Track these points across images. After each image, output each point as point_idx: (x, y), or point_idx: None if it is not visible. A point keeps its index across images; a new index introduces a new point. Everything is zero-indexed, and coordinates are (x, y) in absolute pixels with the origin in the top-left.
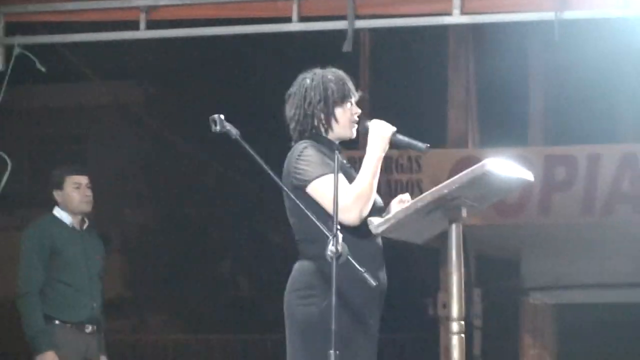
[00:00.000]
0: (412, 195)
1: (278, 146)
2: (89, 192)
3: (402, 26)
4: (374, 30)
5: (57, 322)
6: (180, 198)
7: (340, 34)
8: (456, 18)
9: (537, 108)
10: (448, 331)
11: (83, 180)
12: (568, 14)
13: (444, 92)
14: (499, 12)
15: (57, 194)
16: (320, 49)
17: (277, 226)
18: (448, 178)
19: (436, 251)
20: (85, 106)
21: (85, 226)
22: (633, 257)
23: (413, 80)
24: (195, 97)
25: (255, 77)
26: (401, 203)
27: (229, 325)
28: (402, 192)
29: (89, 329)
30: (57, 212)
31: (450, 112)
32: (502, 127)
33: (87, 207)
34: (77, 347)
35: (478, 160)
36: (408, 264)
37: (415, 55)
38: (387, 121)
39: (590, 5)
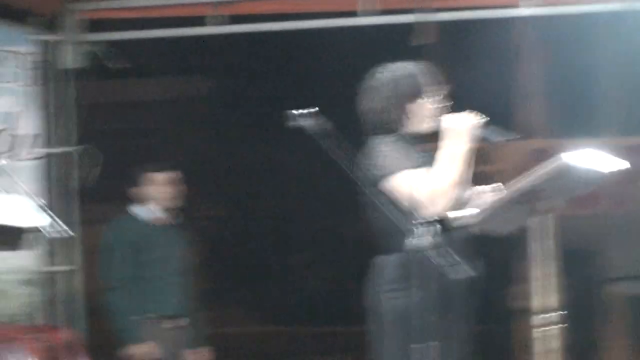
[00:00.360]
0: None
1: (349, 140)
2: (171, 189)
3: (466, 19)
4: (441, 23)
5: (142, 316)
6: (254, 191)
7: (407, 27)
8: (525, 10)
9: (610, 98)
10: (531, 324)
11: (165, 177)
12: None
13: (514, 83)
14: (568, 4)
15: (140, 191)
16: (388, 43)
17: (351, 218)
18: (521, 169)
19: (512, 242)
20: (155, 101)
21: (169, 221)
22: None
23: (483, 72)
24: (265, 91)
25: (322, 71)
26: (485, 194)
27: (308, 318)
28: (476, 183)
29: (174, 323)
30: (140, 208)
31: (522, 103)
32: (575, 117)
33: (170, 204)
34: (163, 342)
35: (551, 151)
36: (483, 256)
37: (485, 46)
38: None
39: None
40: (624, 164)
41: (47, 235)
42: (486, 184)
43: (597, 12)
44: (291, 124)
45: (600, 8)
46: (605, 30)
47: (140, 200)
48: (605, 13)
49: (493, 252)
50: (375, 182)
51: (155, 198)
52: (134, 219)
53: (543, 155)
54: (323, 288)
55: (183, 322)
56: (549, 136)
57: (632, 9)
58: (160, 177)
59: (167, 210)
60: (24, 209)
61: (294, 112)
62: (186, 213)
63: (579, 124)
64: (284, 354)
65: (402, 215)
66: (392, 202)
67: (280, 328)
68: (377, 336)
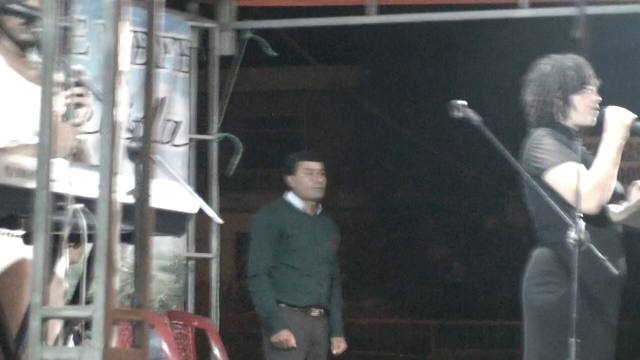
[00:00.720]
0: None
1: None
2: (321, 179)
3: (627, 13)
4: (594, 16)
5: (283, 305)
6: (394, 182)
7: (557, 20)
8: None
9: None
10: None
11: (315, 166)
12: None
13: None
14: None
15: (289, 179)
16: (539, 36)
17: (492, 211)
18: None
19: None
20: (301, 89)
21: (317, 212)
22: None
23: (631, 66)
24: (411, 80)
25: (470, 61)
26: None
27: (443, 311)
28: (625, 180)
29: (315, 312)
30: (290, 196)
31: None
32: None
33: (317, 194)
34: (303, 330)
35: None
36: (629, 252)
37: (633, 39)
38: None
39: None
40: None
41: (213, 219)
42: (636, 179)
43: None
44: (455, 114)
45: None
46: None
47: (291, 188)
48: None
49: (636, 249)
50: (537, 174)
51: (307, 187)
52: (285, 207)
53: None
54: (461, 281)
55: (324, 311)
56: None
57: None
58: (314, 165)
59: (315, 199)
60: (178, 195)
61: (459, 102)
62: (326, 202)
63: None
64: (419, 346)
65: (562, 208)
66: (552, 195)
67: (416, 320)
68: (531, 329)
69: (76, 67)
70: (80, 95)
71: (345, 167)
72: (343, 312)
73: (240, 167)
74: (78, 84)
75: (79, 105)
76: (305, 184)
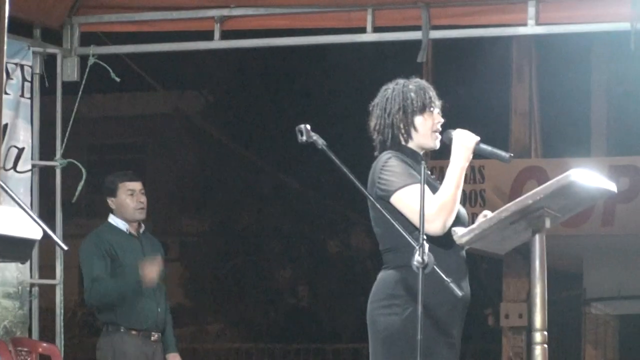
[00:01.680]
0: (475, 206)
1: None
2: (142, 199)
3: (470, 37)
4: (438, 41)
5: (122, 329)
6: (238, 206)
7: (402, 44)
8: (531, 29)
9: (600, 118)
10: (511, 341)
11: (136, 186)
12: None
13: (507, 103)
14: (573, 23)
15: (111, 202)
16: (385, 60)
17: (336, 235)
18: (511, 188)
19: (497, 262)
20: (146, 115)
21: (141, 231)
22: None
23: (476, 91)
24: (256, 105)
25: (314, 86)
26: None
27: (288, 334)
28: (467, 203)
29: (154, 336)
30: (113, 219)
31: (513, 123)
32: (565, 137)
33: (141, 214)
34: (144, 355)
35: (541, 170)
36: (472, 274)
37: (479, 65)
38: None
39: None
40: (613, 187)
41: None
42: (476, 201)
43: (591, 32)
44: (302, 139)
45: (607, 28)
46: (600, 50)
47: (114, 211)
48: (599, 33)
49: (478, 271)
50: (383, 196)
51: (130, 208)
52: (110, 230)
53: (535, 174)
54: (306, 305)
55: (160, 335)
56: (540, 155)
57: (638, 29)
58: (135, 186)
59: (139, 220)
60: (22, 221)
61: (305, 126)
62: (171, 228)
63: (570, 143)
64: None
65: (408, 230)
66: (398, 218)
67: (261, 345)
68: (376, 351)
69: None
70: None
71: (189, 192)
72: (187, 336)
73: (85, 193)
74: None
75: None
76: (128, 206)
